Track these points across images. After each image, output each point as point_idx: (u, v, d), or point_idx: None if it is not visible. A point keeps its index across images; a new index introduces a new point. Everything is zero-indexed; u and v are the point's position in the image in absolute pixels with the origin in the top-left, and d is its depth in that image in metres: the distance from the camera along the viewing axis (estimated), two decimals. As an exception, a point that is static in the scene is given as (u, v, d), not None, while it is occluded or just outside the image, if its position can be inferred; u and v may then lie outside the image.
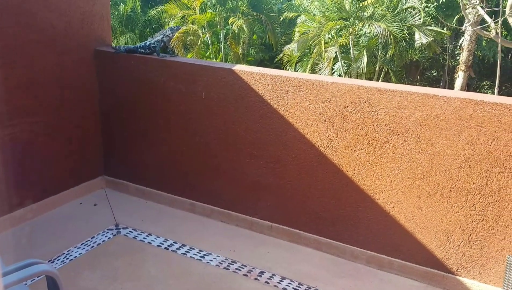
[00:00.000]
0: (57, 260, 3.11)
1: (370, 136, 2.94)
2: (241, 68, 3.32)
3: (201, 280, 2.97)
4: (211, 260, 3.16)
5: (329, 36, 15.97)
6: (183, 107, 3.59)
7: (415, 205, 2.91)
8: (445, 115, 2.70)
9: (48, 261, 3.05)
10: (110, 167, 4.11)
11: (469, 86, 16.90)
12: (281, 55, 17.76)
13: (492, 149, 2.62)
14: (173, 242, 3.36)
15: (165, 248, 3.29)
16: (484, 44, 16.46)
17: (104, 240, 3.36)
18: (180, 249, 3.28)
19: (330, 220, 3.22)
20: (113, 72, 3.87)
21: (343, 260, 3.21)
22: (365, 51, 16.17)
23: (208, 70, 3.42)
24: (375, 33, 15.32)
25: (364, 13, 15.80)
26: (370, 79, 16.52)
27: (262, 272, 3.05)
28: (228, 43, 19.58)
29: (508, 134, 2.56)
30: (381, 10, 15.77)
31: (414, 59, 17.37)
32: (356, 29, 15.88)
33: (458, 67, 15.67)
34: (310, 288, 2.91)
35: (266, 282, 2.96)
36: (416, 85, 17.65)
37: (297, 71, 16.90)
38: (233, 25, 18.39)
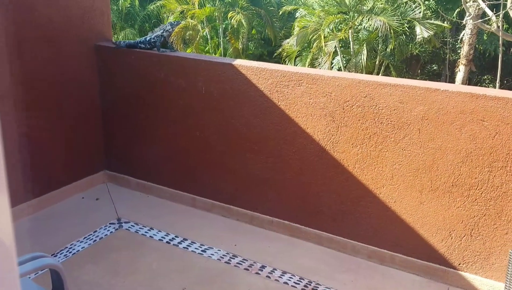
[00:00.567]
0: (60, 254, 3.11)
1: (371, 131, 2.93)
2: (241, 63, 3.31)
3: (202, 274, 2.98)
4: (212, 254, 3.17)
5: (329, 30, 15.91)
6: (183, 102, 3.58)
7: (417, 199, 2.90)
8: (447, 109, 2.69)
9: (51, 255, 3.06)
10: (111, 162, 4.11)
11: (470, 80, 16.86)
12: (280, 49, 17.70)
13: (495, 144, 2.61)
14: (175, 236, 3.36)
15: (167, 242, 3.30)
16: (485, 37, 16.41)
17: (106, 234, 3.37)
18: (181, 243, 3.28)
19: (331, 214, 3.22)
20: (113, 67, 3.86)
21: (344, 254, 3.21)
22: (365, 45, 16.12)
23: (208, 65, 3.41)
24: (375, 27, 15.26)
25: (364, 7, 15.73)
26: (370, 73, 16.48)
27: (263, 267, 3.06)
28: (227, 38, 19.53)
29: (510, 128, 2.55)
30: (381, 3, 15.70)
31: (415, 53, 17.32)
32: (356, 23, 15.82)
33: (459, 61, 15.62)
34: (311, 283, 2.92)
35: (267, 276, 2.97)
36: (417, 79, 17.60)
37: (296, 65, 16.86)
38: (232, 20, 18.33)
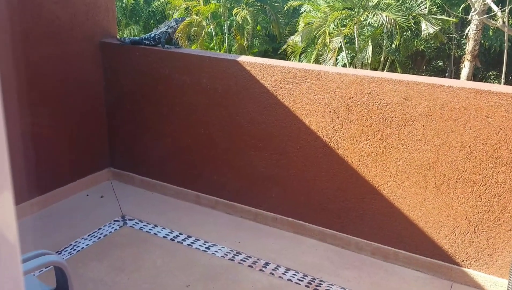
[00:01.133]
0: (65, 251, 3.13)
1: (376, 127, 2.93)
2: (245, 59, 3.31)
3: (206, 271, 2.99)
4: (216, 252, 3.18)
5: (334, 26, 15.87)
6: (188, 98, 3.59)
7: (421, 196, 2.90)
8: (451, 105, 2.68)
9: (56, 252, 3.08)
10: (116, 159, 4.13)
11: (475, 76, 16.78)
12: (285, 46, 17.68)
13: (499, 140, 2.60)
14: (179, 234, 3.37)
15: (171, 239, 3.31)
16: (490, 33, 16.30)
17: (110, 231, 3.38)
18: (185, 241, 3.30)
19: (335, 211, 3.22)
20: (118, 64, 3.87)
21: (348, 251, 3.21)
22: (370, 41, 16.06)
23: (212, 62, 3.41)
24: (380, 23, 15.20)
25: (369, 3, 15.66)
26: (375, 69, 16.43)
27: (267, 264, 3.06)
28: (233, 34, 19.51)
29: (515, 124, 2.54)
30: (387, -1, 15.63)
31: (420, 49, 17.24)
32: (361, 18, 15.76)
33: (464, 57, 15.53)
34: (314, 280, 2.92)
35: (271, 273, 2.98)
36: (422, 75, 17.53)
37: (301, 62, 16.83)
38: (237, 16, 18.31)
